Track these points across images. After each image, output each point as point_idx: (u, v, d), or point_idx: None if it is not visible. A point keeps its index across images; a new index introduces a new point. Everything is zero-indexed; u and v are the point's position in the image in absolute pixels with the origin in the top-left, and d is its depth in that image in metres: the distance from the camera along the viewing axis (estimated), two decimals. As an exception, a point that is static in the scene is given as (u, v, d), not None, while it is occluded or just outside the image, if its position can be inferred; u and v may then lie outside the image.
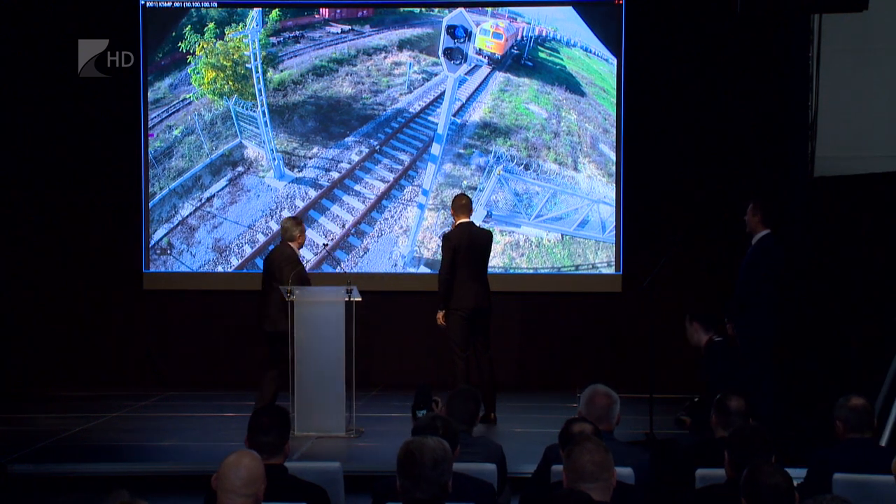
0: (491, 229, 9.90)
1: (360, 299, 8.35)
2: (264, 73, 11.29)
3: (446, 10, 11.24)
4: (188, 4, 11.30)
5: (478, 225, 9.28)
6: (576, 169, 11.14)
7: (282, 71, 11.33)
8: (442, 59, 11.26)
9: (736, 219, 8.34)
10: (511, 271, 11.13)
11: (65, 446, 8.22)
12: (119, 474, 7.22)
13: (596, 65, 11.17)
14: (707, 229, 10.55)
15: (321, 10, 11.43)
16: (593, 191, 11.13)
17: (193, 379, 11.09)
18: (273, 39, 11.33)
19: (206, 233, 11.31)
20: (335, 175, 11.30)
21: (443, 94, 11.24)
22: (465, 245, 8.83)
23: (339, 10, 11.42)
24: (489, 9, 11.24)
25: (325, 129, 11.33)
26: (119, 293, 11.32)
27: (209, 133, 11.34)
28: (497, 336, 9.48)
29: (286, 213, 10.70)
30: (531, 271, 11.18)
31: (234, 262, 11.28)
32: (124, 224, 11.31)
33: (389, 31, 11.35)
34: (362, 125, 11.33)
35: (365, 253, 11.23)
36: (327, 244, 10.96)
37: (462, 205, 8.99)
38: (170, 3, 11.28)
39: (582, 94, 11.17)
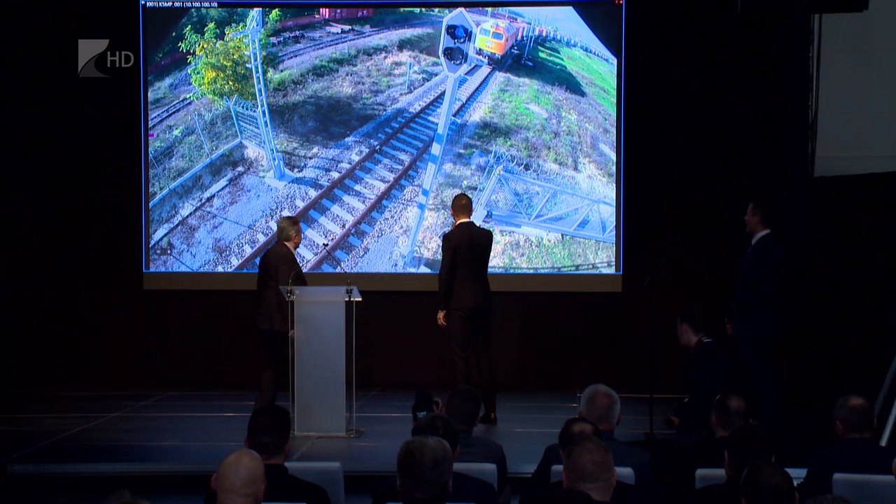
0: (491, 229, 9.89)
1: (360, 299, 8.35)
2: (264, 73, 11.29)
3: (446, 10, 11.24)
4: (188, 4, 11.30)
5: (478, 225, 9.28)
6: (576, 169, 11.14)
7: (282, 71, 11.33)
8: (442, 59, 11.26)
9: (736, 219, 8.34)
10: (511, 271, 11.13)
11: (65, 446, 8.21)
12: (119, 474, 7.22)
13: (596, 65, 11.17)
14: (707, 229, 10.55)
15: (321, 10, 11.43)
16: (593, 191, 11.13)
17: (193, 379, 11.09)
18: (273, 39, 11.33)
19: (207, 233, 11.31)
20: (335, 175, 11.30)
21: (443, 94, 11.24)
22: (466, 245, 8.83)
23: (339, 10, 11.41)
24: (489, 9, 11.24)
25: (325, 129, 11.33)
26: (119, 293, 11.31)
27: (209, 133, 11.34)
28: (497, 336, 9.48)
29: (286, 214, 10.70)
30: (531, 271, 11.17)
31: (235, 262, 11.28)
32: (124, 224, 11.31)
33: (389, 31, 11.34)
34: (362, 125, 11.33)
35: (365, 253, 11.23)
36: (327, 244, 10.96)
37: (462, 205, 8.98)
38: (170, 3, 11.28)
39: (582, 94, 11.17)
